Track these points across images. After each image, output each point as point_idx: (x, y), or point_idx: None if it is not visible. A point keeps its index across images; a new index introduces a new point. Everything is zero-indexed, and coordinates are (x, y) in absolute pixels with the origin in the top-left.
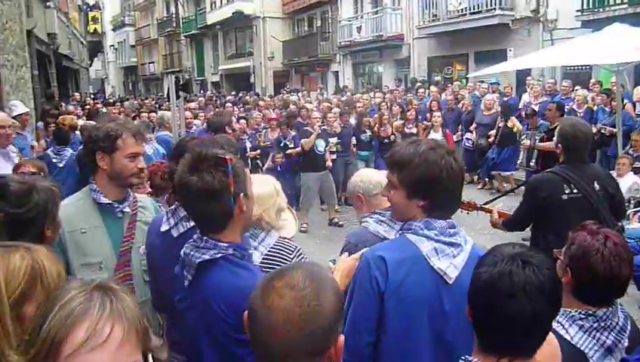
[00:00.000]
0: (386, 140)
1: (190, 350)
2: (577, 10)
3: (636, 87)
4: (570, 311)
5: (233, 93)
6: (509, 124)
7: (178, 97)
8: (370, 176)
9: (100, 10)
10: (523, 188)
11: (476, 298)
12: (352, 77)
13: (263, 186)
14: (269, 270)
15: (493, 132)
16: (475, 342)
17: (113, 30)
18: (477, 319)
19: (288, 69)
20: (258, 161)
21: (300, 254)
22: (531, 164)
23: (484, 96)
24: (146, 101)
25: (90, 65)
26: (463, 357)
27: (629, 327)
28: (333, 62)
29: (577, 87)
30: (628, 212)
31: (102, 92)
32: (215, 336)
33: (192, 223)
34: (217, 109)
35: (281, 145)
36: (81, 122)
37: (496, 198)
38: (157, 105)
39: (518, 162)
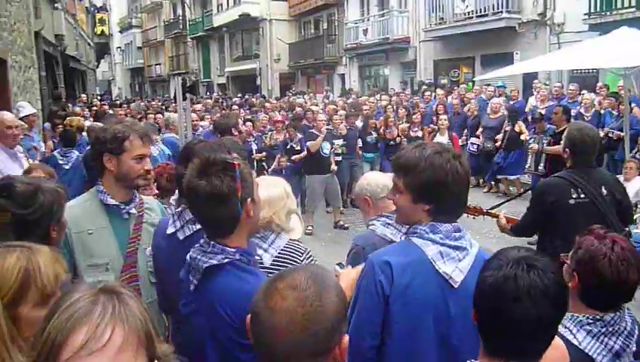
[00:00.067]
0: (391, 142)
1: (195, 354)
2: (585, 14)
3: None
4: (578, 316)
5: (239, 95)
6: (517, 129)
7: (184, 99)
8: (377, 179)
9: (107, 12)
10: (529, 192)
11: (481, 301)
12: (358, 79)
13: (274, 188)
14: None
15: (500, 136)
16: (480, 346)
17: (120, 32)
18: (482, 323)
19: (294, 72)
20: (264, 163)
21: (310, 256)
22: (540, 168)
23: (491, 99)
24: (153, 103)
25: (97, 67)
26: (468, 361)
27: (636, 332)
28: (340, 64)
29: (584, 91)
30: (635, 216)
31: (108, 93)
32: (220, 341)
33: (198, 226)
34: (224, 111)
35: (288, 147)
36: (88, 123)
37: (502, 203)
38: (163, 107)
39: (527, 166)
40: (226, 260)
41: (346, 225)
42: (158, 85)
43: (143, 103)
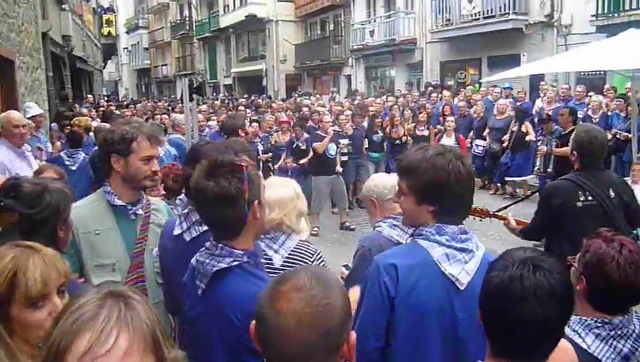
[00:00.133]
0: (397, 141)
1: (202, 356)
2: (592, 15)
3: None
4: (586, 320)
5: (245, 96)
6: (523, 129)
7: (191, 100)
8: (383, 181)
9: (114, 13)
10: (536, 194)
11: (487, 302)
12: (365, 81)
13: (284, 190)
14: None
15: (506, 136)
16: (486, 347)
17: (127, 33)
18: (488, 323)
19: (300, 73)
20: (269, 164)
21: (320, 257)
22: (549, 170)
23: (497, 100)
24: (159, 103)
25: (104, 68)
26: None
27: None
28: (346, 65)
29: (591, 93)
30: None
31: (115, 94)
32: (228, 344)
33: (205, 228)
34: (230, 112)
35: (294, 146)
36: (94, 124)
37: (509, 205)
38: (169, 108)
39: (536, 168)
40: (234, 263)
41: (352, 227)
42: (164, 86)
43: (150, 104)
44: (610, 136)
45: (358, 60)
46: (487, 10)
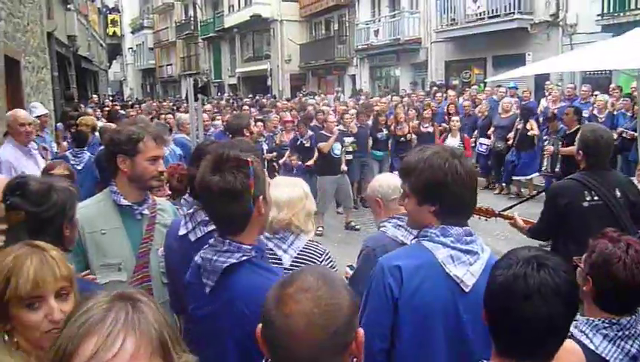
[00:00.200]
0: (402, 139)
1: (212, 355)
2: (598, 15)
3: None
4: (594, 320)
5: (250, 95)
6: (528, 126)
7: (196, 100)
8: (388, 181)
9: (119, 13)
10: (542, 194)
11: (492, 301)
12: (369, 80)
13: (293, 189)
14: None
15: (511, 134)
16: (492, 347)
17: (132, 33)
18: (493, 323)
19: (305, 72)
20: (274, 163)
21: (329, 257)
22: (556, 170)
23: (502, 99)
24: (164, 103)
25: (109, 68)
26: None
27: None
28: (350, 65)
29: (596, 92)
30: None
31: (120, 94)
32: (241, 340)
33: (210, 228)
34: (235, 112)
35: (298, 143)
36: (100, 124)
37: (514, 205)
38: (174, 108)
39: (543, 168)
40: (244, 258)
41: (357, 226)
42: (169, 86)
43: (155, 104)
44: (616, 136)
45: (363, 60)
46: (492, 10)
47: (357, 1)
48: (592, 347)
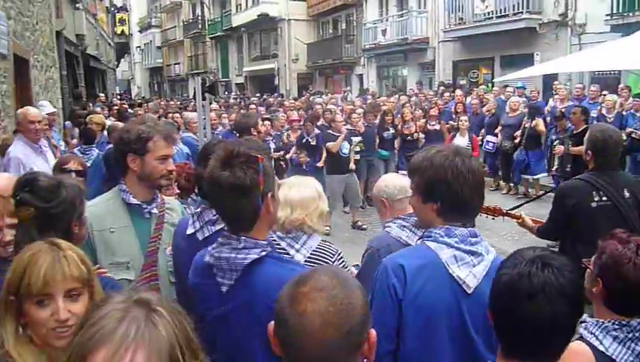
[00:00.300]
0: (408, 138)
1: (234, 356)
2: (607, 14)
3: None
4: (604, 322)
5: (257, 94)
6: (533, 123)
7: (204, 99)
8: (394, 181)
9: (128, 12)
10: (550, 194)
11: (496, 300)
12: (377, 80)
13: (306, 190)
14: None
15: (519, 132)
16: (498, 348)
17: (140, 32)
18: (498, 322)
19: (312, 72)
20: (281, 162)
21: (341, 257)
22: (567, 169)
23: (510, 98)
24: (171, 102)
25: (117, 66)
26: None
27: None
28: (358, 65)
29: (605, 92)
30: None
31: (128, 92)
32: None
33: (217, 227)
34: (242, 111)
35: (304, 141)
36: (108, 122)
37: (522, 204)
38: (182, 107)
39: (554, 168)
40: (263, 253)
41: (363, 226)
42: (177, 85)
43: (163, 103)
44: (625, 136)
45: (370, 59)
46: (501, 10)
47: (365, 0)
48: (601, 349)
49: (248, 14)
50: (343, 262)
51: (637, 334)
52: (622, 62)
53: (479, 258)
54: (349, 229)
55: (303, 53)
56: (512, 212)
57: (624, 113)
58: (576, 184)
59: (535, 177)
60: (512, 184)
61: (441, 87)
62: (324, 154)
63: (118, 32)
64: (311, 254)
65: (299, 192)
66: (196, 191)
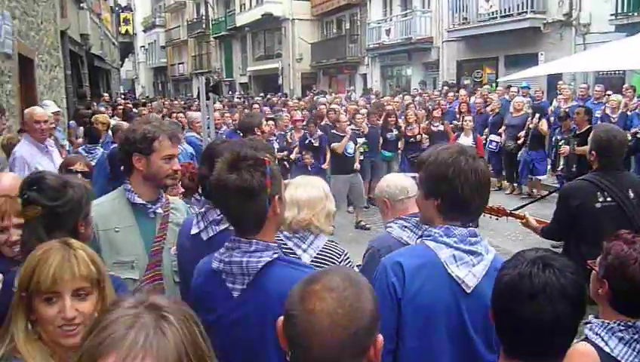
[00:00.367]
0: (412, 140)
1: (248, 358)
2: (611, 14)
3: None
4: (609, 323)
5: (261, 94)
6: (533, 124)
7: (208, 98)
8: (395, 181)
9: (132, 11)
10: (554, 194)
11: (498, 300)
12: (380, 80)
13: (313, 190)
14: None
15: (522, 133)
16: (500, 348)
17: (144, 31)
18: (499, 323)
19: (316, 71)
20: (285, 162)
21: (348, 258)
22: (572, 169)
23: (514, 98)
24: (175, 102)
25: (121, 66)
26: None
27: None
28: (362, 64)
29: (609, 92)
30: None
31: (132, 92)
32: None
33: (221, 227)
34: (246, 110)
35: (306, 142)
36: (113, 121)
37: (525, 204)
38: (186, 106)
39: (560, 168)
40: (275, 255)
41: (367, 226)
42: (180, 84)
43: (167, 102)
44: (630, 136)
45: (374, 59)
46: (505, 9)
47: (369, 0)
48: (607, 350)
49: (252, 14)
50: (349, 262)
51: None
52: (626, 62)
53: (479, 257)
54: (353, 229)
55: (306, 53)
56: (516, 212)
57: (629, 113)
58: (580, 185)
59: (537, 178)
60: (515, 184)
61: (445, 87)
62: (328, 156)
63: (123, 31)
64: (317, 254)
65: (306, 192)
66: (199, 190)
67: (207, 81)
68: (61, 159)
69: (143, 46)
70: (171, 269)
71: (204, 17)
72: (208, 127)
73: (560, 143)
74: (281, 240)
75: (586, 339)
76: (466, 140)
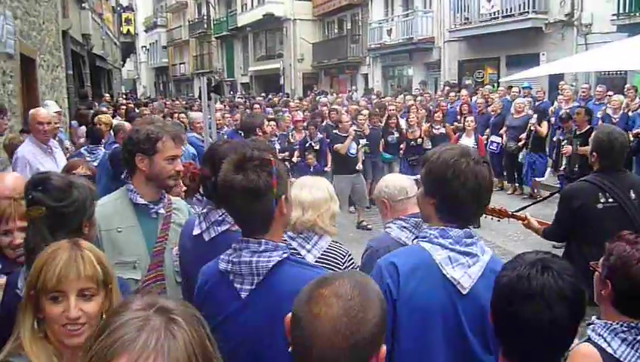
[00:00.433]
0: (412, 143)
1: (255, 357)
2: (613, 14)
3: None
4: (612, 324)
5: (263, 94)
6: (536, 125)
7: (209, 98)
8: (395, 182)
9: (133, 11)
10: (556, 195)
11: (497, 302)
12: (382, 80)
13: (318, 191)
14: None
15: (524, 135)
16: (499, 349)
17: (145, 31)
18: (498, 324)
19: (318, 71)
20: (286, 163)
21: (351, 259)
22: (575, 169)
23: (515, 100)
24: (176, 102)
25: (123, 66)
26: None
27: None
28: (363, 64)
29: (610, 93)
30: None
31: (134, 92)
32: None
33: (223, 228)
34: (247, 110)
35: (307, 145)
36: (115, 121)
37: (528, 206)
38: (187, 106)
39: (562, 168)
40: (285, 255)
41: (368, 226)
42: (182, 84)
43: (168, 102)
44: (631, 137)
45: (376, 59)
46: (507, 9)
47: (370, 0)
48: (609, 351)
49: (254, 14)
50: (352, 263)
51: None
52: (628, 62)
53: (474, 259)
54: (354, 229)
55: (308, 53)
56: (518, 214)
57: (630, 113)
58: (581, 186)
59: (537, 179)
60: (517, 184)
61: (447, 87)
62: (330, 158)
63: (124, 31)
64: (321, 255)
65: (310, 193)
66: (201, 191)
67: (209, 81)
68: (65, 160)
69: (145, 46)
70: (173, 270)
71: (205, 17)
72: (210, 128)
73: (563, 143)
74: (285, 240)
75: (589, 340)
76: (467, 140)
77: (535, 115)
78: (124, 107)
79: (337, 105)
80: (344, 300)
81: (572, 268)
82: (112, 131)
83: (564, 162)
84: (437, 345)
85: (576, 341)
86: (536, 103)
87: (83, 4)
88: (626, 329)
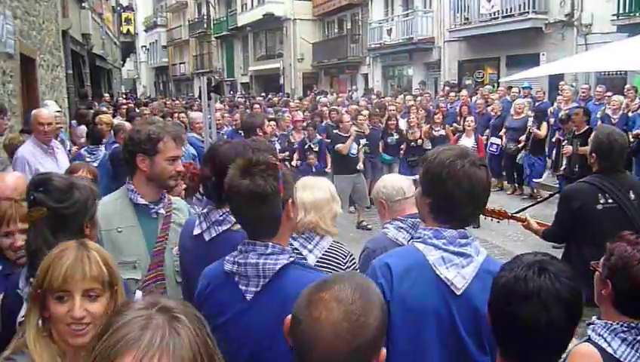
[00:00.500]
0: (412, 144)
1: (260, 358)
2: (613, 15)
3: None
4: (612, 324)
5: (263, 94)
6: (536, 128)
7: (209, 98)
8: (392, 182)
9: (133, 11)
10: (556, 196)
11: (494, 303)
12: (382, 79)
13: (319, 192)
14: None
15: (523, 137)
16: (497, 351)
17: (145, 31)
18: (496, 325)
19: (317, 71)
20: (286, 163)
21: (353, 259)
22: (575, 170)
23: (515, 100)
24: (176, 102)
25: (123, 66)
26: None
27: None
28: (363, 64)
29: (609, 93)
30: None
31: (134, 92)
32: None
33: (224, 228)
34: (247, 110)
35: (306, 147)
36: (115, 121)
37: (528, 207)
38: (187, 106)
39: (562, 168)
40: (292, 258)
41: (368, 226)
42: (182, 84)
43: (168, 102)
44: (631, 138)
45: (376, 59)
46: (507, 9)
47: (370, 0)
48: (610, 351)
49: (254, 14)
50: (354, 263)
51: None
52: (628, 62)
53: (468, 259)
54: (354, 229)
55: (308, 53)
56: (518, 215)
57: (630, 114)
58: (581, 186)
59: (535, 180)
60: (517, 185)
61: (447, 87)
62: (329, 159)
63: (124, 31)
64: (323, 255)
65: (312, 194)
66: (201, 191)
67: (209, 80)
68: (67, 160)
69: (145, 46)
70: (173, 269)
71: (205, 17)
72: (210, 128)
73: (563, 144)
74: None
75: (589, 340)
76: (467, 141)
77: (534, 117)
78: (125, 107)
79: (338, 105)
80: (345, 304)
81: (569, 270)
82: (112, 131)
83: (564, 162)
84: (431, 345)
85: (576, 341)
86: (536, 103)
87: (83, 4)
88: (626, 329)
